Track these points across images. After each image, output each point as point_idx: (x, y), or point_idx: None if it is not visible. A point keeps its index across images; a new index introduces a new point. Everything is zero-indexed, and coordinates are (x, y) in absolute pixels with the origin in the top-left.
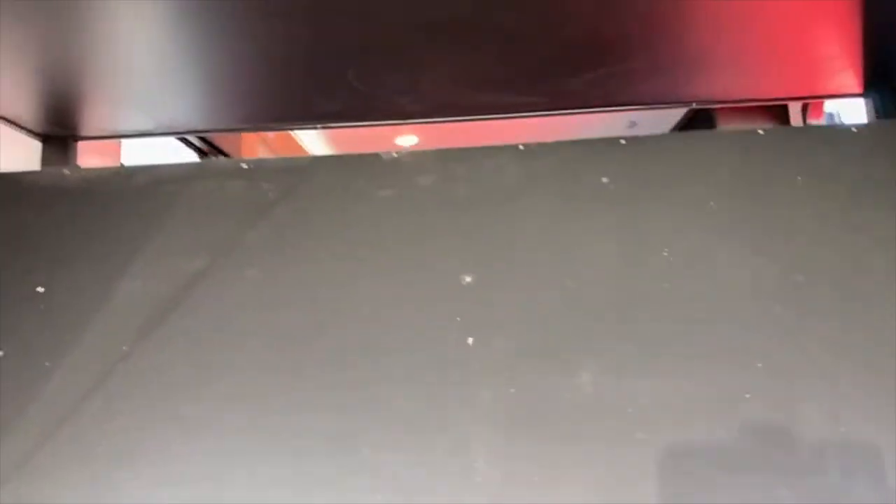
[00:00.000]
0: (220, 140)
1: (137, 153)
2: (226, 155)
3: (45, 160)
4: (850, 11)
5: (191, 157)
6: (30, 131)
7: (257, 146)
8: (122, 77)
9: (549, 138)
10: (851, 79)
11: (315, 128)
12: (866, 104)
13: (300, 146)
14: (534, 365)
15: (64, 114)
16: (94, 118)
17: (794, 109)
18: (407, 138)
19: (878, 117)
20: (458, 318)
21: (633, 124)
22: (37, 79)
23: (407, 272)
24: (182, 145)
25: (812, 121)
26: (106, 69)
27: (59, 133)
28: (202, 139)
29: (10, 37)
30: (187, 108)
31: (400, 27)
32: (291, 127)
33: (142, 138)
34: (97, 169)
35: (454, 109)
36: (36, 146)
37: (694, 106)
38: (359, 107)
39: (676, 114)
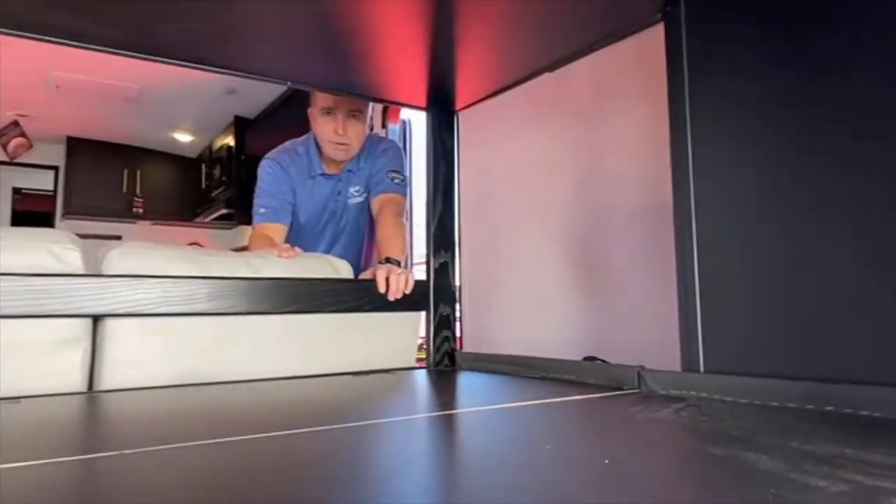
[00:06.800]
0: None
1: None
2: None
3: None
4: (417, 35)
5: None
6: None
7: None
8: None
9: None
10: (418, 94)
11: None
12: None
13: None
14: None
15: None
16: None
17: (377, 110)
18: None
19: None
20: None
21: (232, 91)
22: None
23: None
24: None
25: (390, 124)
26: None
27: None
28: None
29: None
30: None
31: None
32: None
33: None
34: None
35: None
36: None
37: (289, 85)
38: None
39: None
